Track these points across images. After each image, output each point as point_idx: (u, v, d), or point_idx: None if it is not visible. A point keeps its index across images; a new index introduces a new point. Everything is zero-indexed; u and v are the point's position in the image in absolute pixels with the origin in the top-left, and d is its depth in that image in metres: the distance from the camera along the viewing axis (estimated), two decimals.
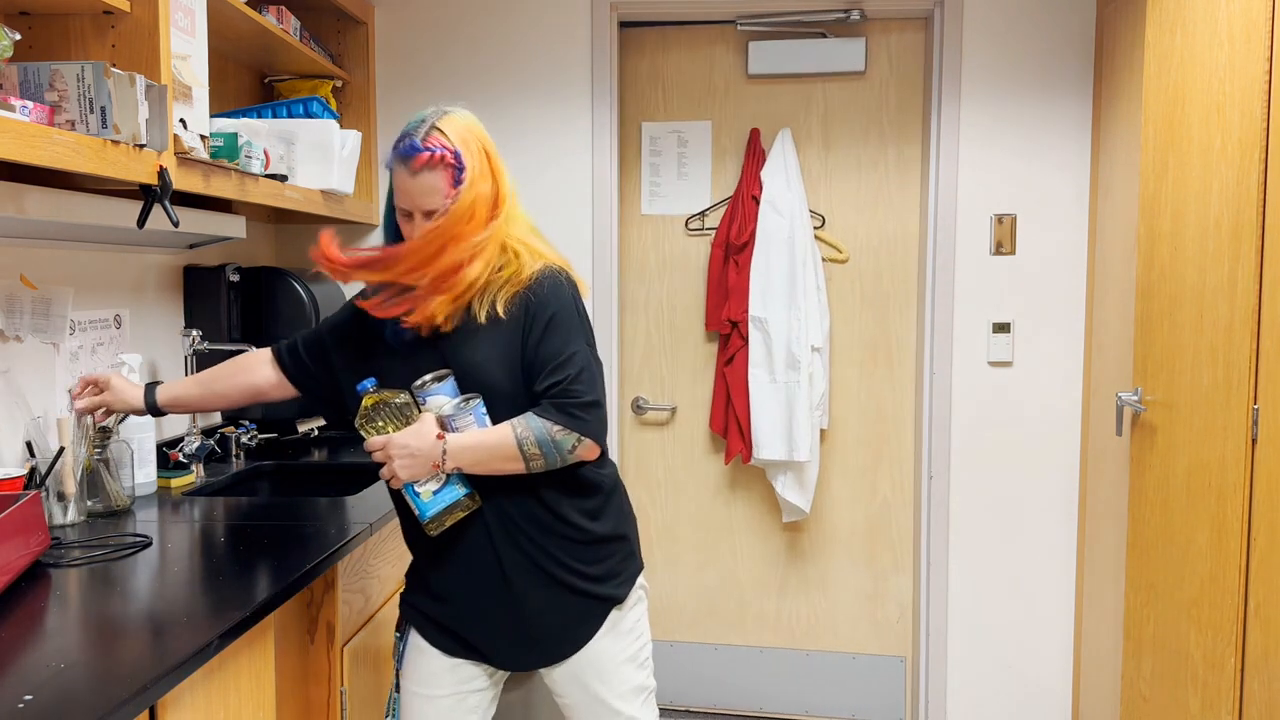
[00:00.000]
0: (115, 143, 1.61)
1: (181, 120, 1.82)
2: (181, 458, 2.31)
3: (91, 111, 1.59)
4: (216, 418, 2.71)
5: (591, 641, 1.70)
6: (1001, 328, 2.96)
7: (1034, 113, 2.93)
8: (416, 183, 1.56)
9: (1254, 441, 1.90)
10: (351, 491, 2.52)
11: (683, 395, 3.17)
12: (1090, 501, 2.90)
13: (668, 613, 3.20)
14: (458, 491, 1.60)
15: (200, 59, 1.92)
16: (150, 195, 1.74)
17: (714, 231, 3.11)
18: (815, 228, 3.03)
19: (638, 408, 3.17)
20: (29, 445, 1.88)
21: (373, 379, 1.61)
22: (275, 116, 2.54)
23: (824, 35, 3.01)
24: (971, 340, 2.98)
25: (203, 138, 1.90)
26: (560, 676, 1.73)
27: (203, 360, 2.55)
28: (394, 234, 1.69)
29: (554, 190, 3.02)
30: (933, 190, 2.97)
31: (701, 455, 3.18)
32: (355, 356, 1.72)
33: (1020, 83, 2.92)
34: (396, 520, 2.23)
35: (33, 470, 1.83)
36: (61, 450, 1.85)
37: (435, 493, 1.59)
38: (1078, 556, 2.99)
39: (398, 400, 1.60)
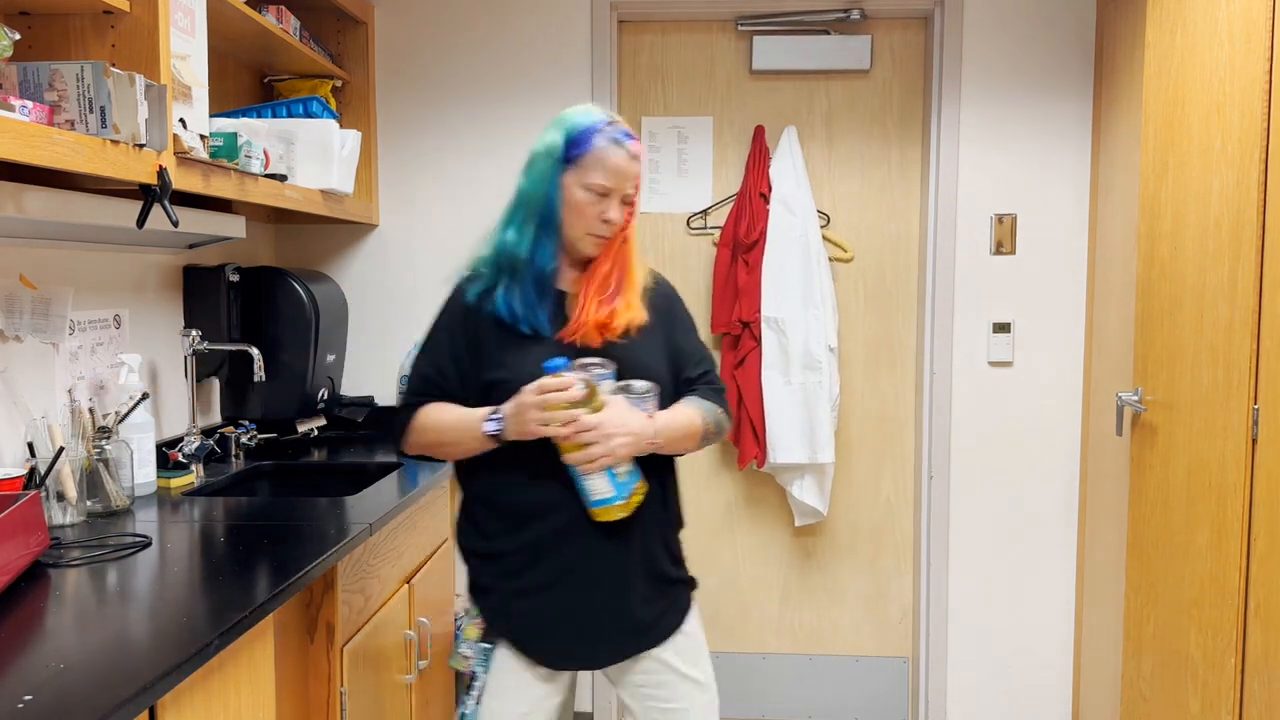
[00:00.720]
0: (115, 142, 1.61)
1: (181, 120, 1.82)
2: (181, 458, 2.31)
3: (91, 111, 1.59)
4: (216, 417, 2.71)
5: (685, 623, 1.75)
6: (1001, 328, 2.96)
7: (1034, 113, 2.93)
8: (631, 166, 1.65)
9: (1254, 441, 1.90)
10: (351, 491, 2.52)
11: None
12: (1090, 501, 2.90)
13: None
14: (638, 475, 1.60)
15: (200, 59, 1.91)
16: (150, 195, 1.74)
17: (718, 230, 3.10)
18: (820, 227, 3.02)
19: None
20: (29, 445, 1.88)
21: (564, 359, 1.59)
22: (275, 116, 2.54)
23: (827, 33, 3.01)
24: (971, 340, 2.98)
25: (202, 137, 1.90)
26: (651, 666, 1.73)
27: (203, 360, 2.55)
28: (545, 216, 1.66)
29: None
30: (933, 190, 2.97)
31: (704, 460, 3.17)
32: (488, 366, 1.69)
33: (1020, 83, 2.92)
34: (396, 520, 2.23)
35: (33, 470, 1.83)
36: (61, 450, 1.85)
37: (628, 474, 1.59)
38: (1078, 556, 2.99)
39: (605, 385, 1.56)
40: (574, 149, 1.63)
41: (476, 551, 1.72)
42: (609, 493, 1.58)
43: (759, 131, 3.04)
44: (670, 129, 3.10)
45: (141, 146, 1.68)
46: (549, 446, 1.58)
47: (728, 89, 3.10)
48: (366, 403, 3.04)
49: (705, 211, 3.12)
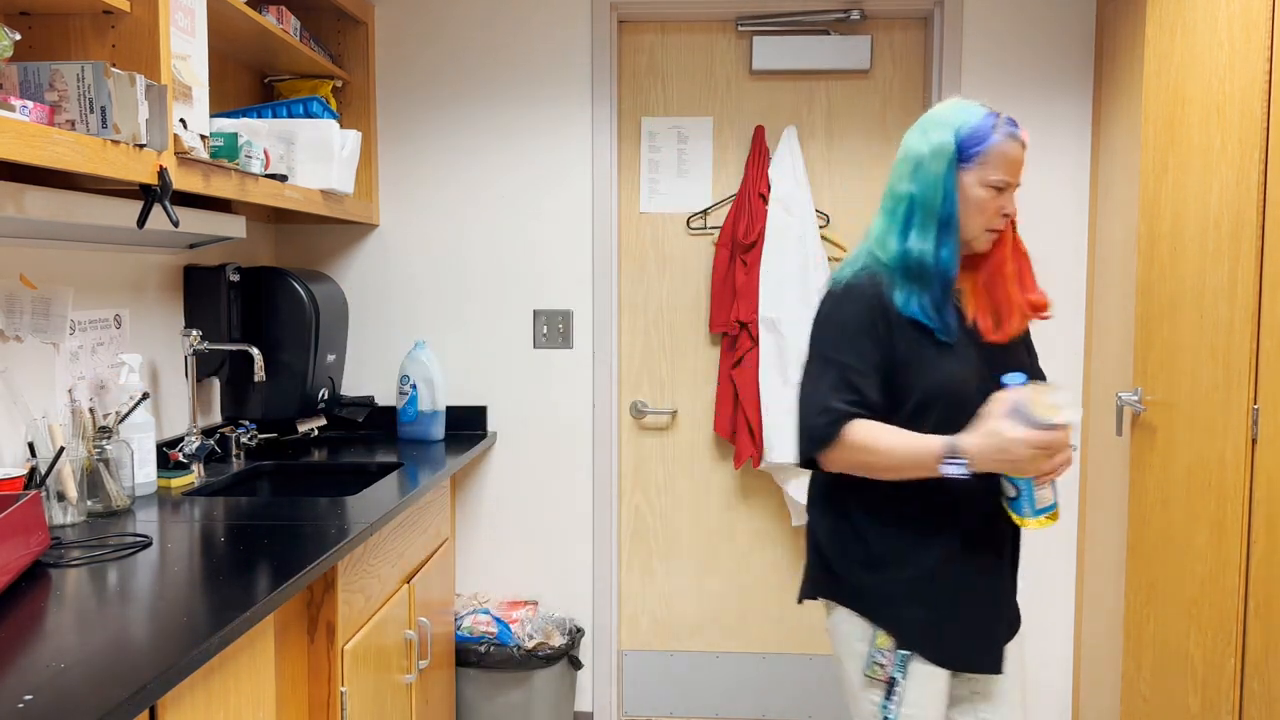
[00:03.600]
0: (115, 143, 1.61)
1: (181, 120, 1.82)
2: (181, 458, 2.31)
3: (91, 111, 1.59)
4: (216, 417, 2.71)
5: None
6: None
7: (1034, 113, 2.93)
8: (1023, 155, 1.66)
9: (1254, 441, 1.90)
10: (351, 491, 2.52)
11: (683, 398, 3.17)
12: (1090, 501, 2.89)
13: (668, 621, 3.20)
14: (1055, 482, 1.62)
15: (200, 59, 1.92)
16: (150, 195, 1.74)
17: (717, 230, 3.11)
18: (820, 227, 3.02)
19: (637, 411, 3.17)
20: (30, 445, 1.88)
21: (1022, 375, 1.59)
22: (275, 116, 2.54)
23: (827, 33, 3.01)
24: None
25: (203, 137, 1.90)
26: (1011, 658, 1.78)
27: (203, 360, 2.55)
28: (945, 219, 1.64)
29: (553, 188, 3.02)
30: None
31: (703, 460, 3.18)
32: (909, 374, 1.66)
33: (1020, 83, 2.92)
34: (396, 520, 2.23)
35: (33, 470, 1.83)
36: (61, 450, 1.85)
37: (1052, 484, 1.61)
38: (1078, 557, 2.99)
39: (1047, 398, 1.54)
40: (971, 147, 1.63)
41: (885, 560, 1.67)
42: (1050, 500, 1.60)
43: (759, 131, 3.05)
44: (670, 129, 3.11)
45: (142, 146, 1.68)
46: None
47: (728, 89, 3.10)
48: (366, 403, 3.04)
49: (705, 211, 3.12)
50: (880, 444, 1.59)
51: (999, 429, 1.52)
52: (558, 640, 2.88)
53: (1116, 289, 2.71)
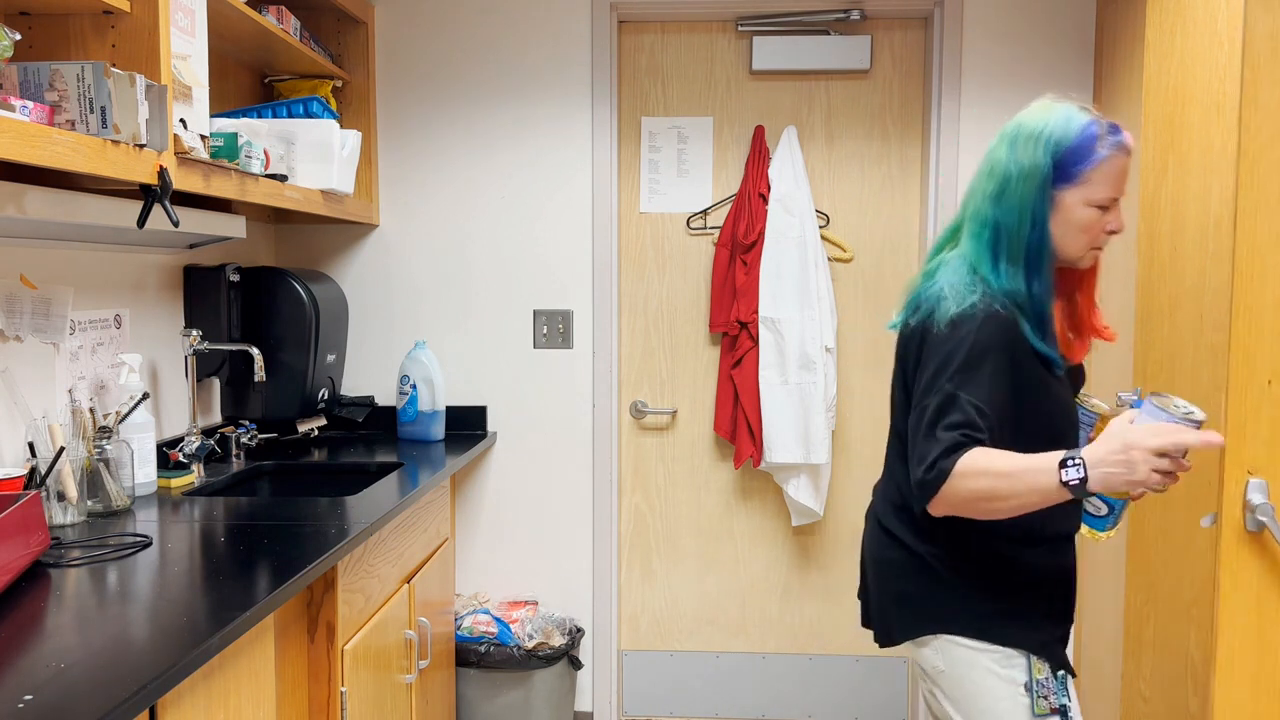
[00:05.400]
0: (115, 143, 1.61)
1: (181, 120, 1.82)
2: (181, 458, 2.31)
3: (91, 111, 1.59)
4: (216, 417, 2.71)
5: None
6: None
7: None
8: (1129, 164, 1.52)
9: None
10: (351, 491, 2.52)
11: (683, 398, 3.17)
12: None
13: (667, 621, 3.20)
14: None
15: (200, 59, 1.92)
16: (150, 195, 1.74)
17: (717, 230, 3.11)
18: (820, 227, 3.02)
19: (637, 411, 3.17)
20: (30, 445, 1.88)
21: (1137, 396, 1.58)
22: (275, 116, 2.54)
23: (827, 33, 3.01)
24: None
25: (203, 138, 1.90)
26: None
27: (203, 360, 2.55)
28: (1039, 248, 1.52)
29: (552, 188, 3.03)
30: (932, 190, 2.97)
31: (703, 460, 3.18)
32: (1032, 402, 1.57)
33: (1020, 83, 2.92)
34: (396, 520, 2.23)
35: (33, 470, 1.83)
36: (61, 450, 1.85)
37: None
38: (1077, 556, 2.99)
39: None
40: (1073, 165, 1.49)
41: (1025, 579, 1.57)
42: (1122, 515, 1.61)
43: (759, 132, 3.05)
44: (670, 129, 3.11)
45: (142, 147, 1.68)
46: None
47: (728, 89, 3.10)
48: (366, 403, 3.04)
49: (705, 211, 3.12)
50: (995, 466, 1.41)
51: (1120, 431, 1.38)
52: (558, 640, 2.88)
53: (1116, 289, 2.71)
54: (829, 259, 3.08)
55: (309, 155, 2.46)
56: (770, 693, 3.20)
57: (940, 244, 1.66)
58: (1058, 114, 1.51)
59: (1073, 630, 2.99)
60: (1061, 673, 1.57)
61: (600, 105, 2.98)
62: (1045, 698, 1.55)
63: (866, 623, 1.77)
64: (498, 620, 2.89)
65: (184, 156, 1.82)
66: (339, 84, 2.91)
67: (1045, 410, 1.54)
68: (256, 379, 2.37)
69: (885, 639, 1.68)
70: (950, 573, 1.58)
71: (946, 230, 1.66)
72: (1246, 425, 1.70)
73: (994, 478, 1.40)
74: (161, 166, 1.73)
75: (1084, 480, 1.37)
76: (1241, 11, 1.94)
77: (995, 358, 1.47)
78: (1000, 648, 1.56)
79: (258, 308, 2.61)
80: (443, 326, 3.08)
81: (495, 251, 3.05)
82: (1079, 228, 1.52)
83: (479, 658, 2.79)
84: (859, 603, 1.91)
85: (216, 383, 2.70)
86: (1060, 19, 2.90)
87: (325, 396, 2.80)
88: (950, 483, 1.42)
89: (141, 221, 1.78)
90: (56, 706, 1.09)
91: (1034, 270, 1.51)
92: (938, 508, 1.46)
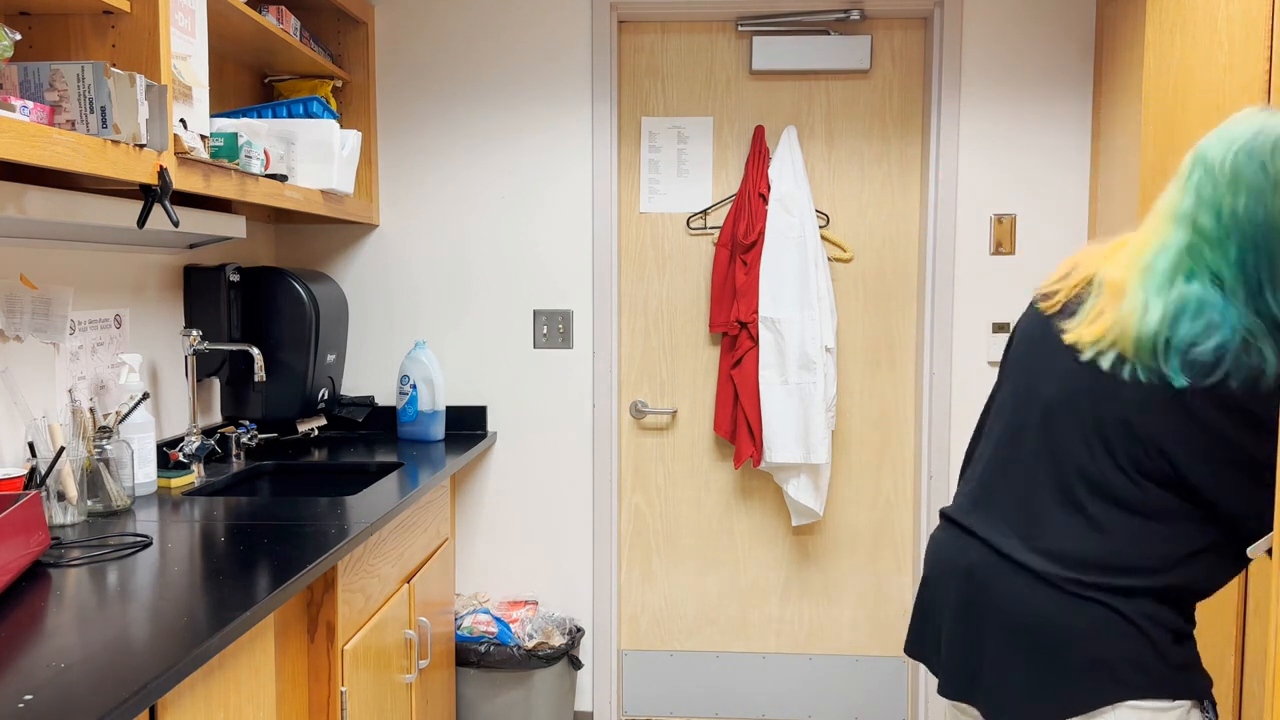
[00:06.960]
0: (115, 143, 1.61)
1: (181, 120, 1.82)
2: (181, 457, 2.32)
3: (91, 111, 1.59)
4: (216, 417, 2.71)
5: None
6: (1001, 328, 2.96)
7: (1034, 112, 2.93)
8: None
9: None
10: (351, 491, 2.52)
11: (683, 398, 3.17)
12: None
13: (667, 621, 3.20)
14: None
15: (200, 59, 1.92)
16: (150, 195, 1.74)
17: (717, 230, 3.11)
18: (820, 227, 3.02)
19: (637, 411, 3.17)
20: (30, 445, 1.88)
21: None
22: (275, 116, 2.54)
23: (827, 33, 3.01)
24: (971, 340, 2.98)
25: (203, 138, 1.90)
26: None
27: (203, 360, 2.56)
28: None
29: (553, 188, 3.03)
30: (932, 190, 2.97)
31: (703, 460, 3.18)
32: None
33: (1020, 83, 2.92)
34: (396, 520, 2.23)
35: (33, 470, 1.83)
36: (61, 450, 1.85)
37: None
38: None
39: None
40: None
41: (1191, 623, 1.42)
42: None
43: (759, 132, 3.05)
44: (670, 129, 3.11)
45: (142, 147, 1.68)
46: None
47: (727, 89, 3.10)
48: (366, 403, 3.04)
49: (705, 211, 3.12)
50: None
51: None
52: (558, 640, 2.88)
53: None
54: (829, 259, 3.08)
55: (309, 155, 2.46)
56: (770, 693, 3.20)
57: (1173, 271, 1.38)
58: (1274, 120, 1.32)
59: None
60: (1208, 707, 1.43)
61: (600, 105, 2.99)
62: None
63: (959, 695, 1.48)
64: (498, 620, 2.89)
65: (184, 156, 1.82)
66: (339, 84, 2.91)
67: None
68: (256, 379, 2.37)
69: (1031, 715, 1.41)
70: (1159, 631, 1.39)
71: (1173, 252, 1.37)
72: None
73: None
74: (161, 166, 1.73)
75: None
76: (1242, 11, 1.94)
77: None
78: (1182, 702, 1.39)
79: (258, 308, 2.61)
80: (443, 326, 3.08)
81: (495, 251, 3.05)
82: None
83: (479, 657, 2.79)
84: (928, 666, 1.58)
85: (216, 383, 2.70)
86: (1060, 19, 2.90)
87: (325, 396, 2.81)
88: None
89: (141, 221, 1.78)
90: (57, 706, 1.09)
91: None
92: None
